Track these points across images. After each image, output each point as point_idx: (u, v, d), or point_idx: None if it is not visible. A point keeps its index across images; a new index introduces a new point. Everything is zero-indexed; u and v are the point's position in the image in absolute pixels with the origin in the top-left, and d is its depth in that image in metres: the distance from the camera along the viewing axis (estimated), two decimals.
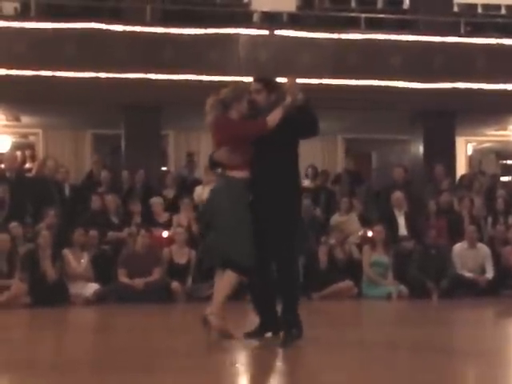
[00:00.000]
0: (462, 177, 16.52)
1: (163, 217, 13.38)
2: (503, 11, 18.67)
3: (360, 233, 13.60)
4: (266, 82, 7.16)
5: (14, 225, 12.00)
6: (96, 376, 5.59)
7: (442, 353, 6.34)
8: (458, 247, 13.04)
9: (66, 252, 12.01)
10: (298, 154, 7.02)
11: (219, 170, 7.32)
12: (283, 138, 6.76)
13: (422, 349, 6.50)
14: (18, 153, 16.69)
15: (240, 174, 6.81)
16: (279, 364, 6.11)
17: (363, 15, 16.59)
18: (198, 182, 14.90)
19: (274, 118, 6.71)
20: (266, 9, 16.78)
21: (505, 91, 16.17)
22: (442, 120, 16.24)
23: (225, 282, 7.01)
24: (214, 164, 7.29)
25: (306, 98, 6.84)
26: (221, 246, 6.76)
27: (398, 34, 16.31)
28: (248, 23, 16.43)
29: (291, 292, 6.91)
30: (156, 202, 13.53)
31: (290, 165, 6.93)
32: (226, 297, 7.02)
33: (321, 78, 15.35)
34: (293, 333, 6.69)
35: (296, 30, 16.01)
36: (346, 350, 6.43)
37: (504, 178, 18.11)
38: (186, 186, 14.90)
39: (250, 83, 7.20)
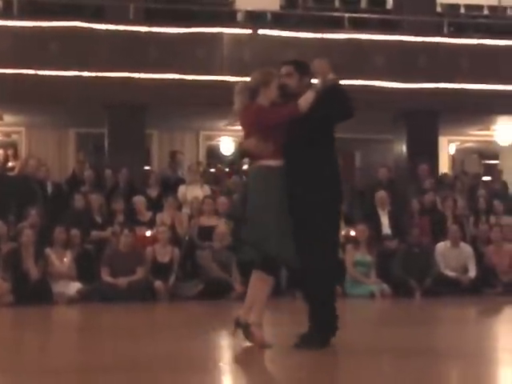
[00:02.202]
0: (443, 176, 16.56)
1: (146, 215, 13.35)
2: (486, 12, 18.76)
3: (343, 232, 13.61)
4: (298, 65, 6.61)
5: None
6: (82, 376, 5.58)
7: (425, 353, 6.35)
8: (441, 246, 13.09)
9: (49, 251, 11.97)
10: (334, 140, 6.55)
11: (247, 160, 6.78)
12: (317, 123, 6.30)
13: (404, 348, 6.51)
14: (1, 152, 16.63)
15: (275, 163, 6.30)
16: (260, 364, 6.10)
17: (347, 15, 16.64)
18: (181, 181, 14.90)
19: (305, 100, 6.25)
20: (249, 8, 16.81)
21: (487, 91, 16.24)
22: (425, 119, 16.31)
23: (260, 287, 6.42)
24: (243, 154, 6.68)
25: (336, 77, 6.42)
26: (264, 241, 6.21)
27: (382, 34, 16.37)
28: (232, 22, 16.45)
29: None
30: (139, 200, 13.49)
31: (327, 152, 6.46)
32: (265, 303, 6.47)
33: None
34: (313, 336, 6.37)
35: (280, 29, 16.03)
36: (328, 349, 6.42)
37: (486, 178, 18.16)
38: (170, 185, 14.87)
39: (279, 67, 6.64)
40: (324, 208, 6.32)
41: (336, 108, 6.37)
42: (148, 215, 13.34)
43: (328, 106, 6.29)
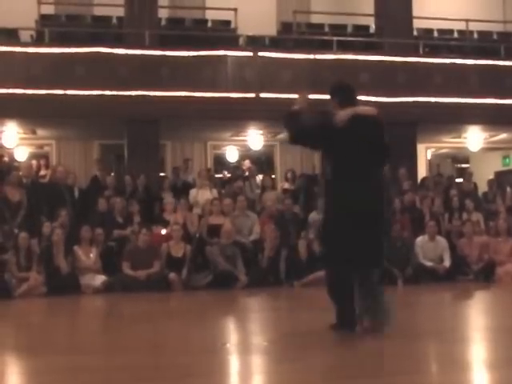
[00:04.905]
0: (424, 179, 16.58)
1: (172, 215, 13.27)
2: (455, 35, 18.77)
3: None
4: None
5: (47, 224, 12.10)
6: (107, 357, 5.59)
7: (408, 331, 6.34)
8: (420, 240, 13.08)
9: (76, 248, 11.98)
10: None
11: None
12: None
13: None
14: (34, 162, 16.62)
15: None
16: (260, 344, 6.10)
17: (335, 38, 16.63)
18: (190, 186, 14.91)
19: None
20: (250, 33, 16.79)
21: (459, 104, 16.23)
22: (404, 129, 16.26)
23: None
24: None
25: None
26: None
27: (366, 55, 16.35)
28: (235, 46, 16.44)
29: None
30: (169, 201, 13.50)
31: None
32: None
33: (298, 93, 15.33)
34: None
35: (277, 51, 16.03)
36: (320, 331, 6.41)
37: (459, 180, 18.15)
38: (180, 189, 14.86)
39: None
40: None
41: None
42: (173, 216, 13.28)
43: None
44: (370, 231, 6.17)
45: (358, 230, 6.11)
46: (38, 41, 15.90)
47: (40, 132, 16.83)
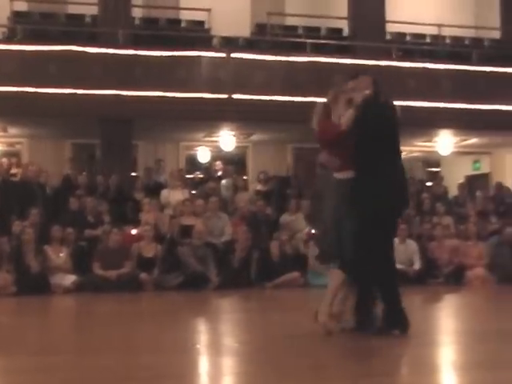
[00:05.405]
0: None
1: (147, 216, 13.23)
2: (428, 39, 18.90)
3: (306, 230, 13.62)
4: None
5: (17, 223, 12.05)
6: (78, 357, 5.55)
7: (379, 335, 6.36)
8: None
9: (47, 247, 11.90)
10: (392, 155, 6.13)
11: (321, 170, 6.52)
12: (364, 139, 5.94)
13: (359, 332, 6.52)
14: (5, 160, 16.46)
15: (341, 176, 6.10)
16: (231, 345, 6.10)
17: (309, 41, 16.67)
18: (162, 186, 14.86)
19: (346, 119, 6.00)
20: (224, 34, 16.79)
21: (430, 108, 16.34)
22: None
23: (337, 283, 6.26)
24: (320, 165, 6.45)
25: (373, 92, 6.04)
26: (345, 246, 6.09)
27: (339, 58, 16.39)
28: (208, 46, 16.43)
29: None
30: (146, 201, 13.45)
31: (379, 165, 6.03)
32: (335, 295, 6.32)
33: (272, 94, 15.37)
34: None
35: (250, 52, 16.04)
36: (292, 332, 6.42)
37: (429, 183, 18.27)
38: (152, 189, 14.81)
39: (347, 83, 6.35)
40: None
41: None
42: (148, 216, 13.23)
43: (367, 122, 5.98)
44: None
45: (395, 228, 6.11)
46: (10, 38, 15.77)
47: (11, 130, 16.69)
